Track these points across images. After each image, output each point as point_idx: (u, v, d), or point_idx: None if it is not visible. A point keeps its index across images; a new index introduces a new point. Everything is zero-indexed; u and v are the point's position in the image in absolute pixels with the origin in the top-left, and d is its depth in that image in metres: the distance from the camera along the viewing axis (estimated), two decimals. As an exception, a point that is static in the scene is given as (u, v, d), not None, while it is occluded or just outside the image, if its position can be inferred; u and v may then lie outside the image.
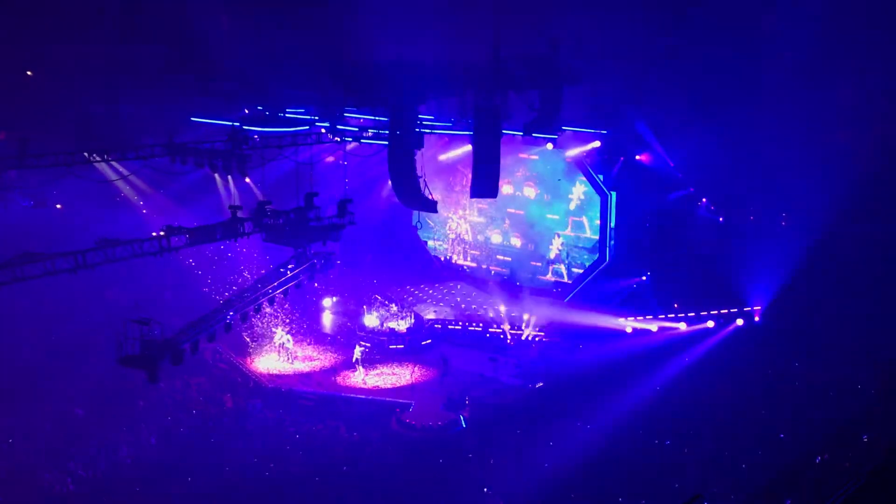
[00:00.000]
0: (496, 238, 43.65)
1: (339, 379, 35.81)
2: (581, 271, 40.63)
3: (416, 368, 37.32)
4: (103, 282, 25.86)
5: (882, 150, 31.55)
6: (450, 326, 40.70)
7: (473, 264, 44.59)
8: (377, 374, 36.65)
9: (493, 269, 43.83)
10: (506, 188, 39.72)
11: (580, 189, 40.26)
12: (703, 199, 38.35)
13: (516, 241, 42.97)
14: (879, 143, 31.63)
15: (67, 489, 27.16)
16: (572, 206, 40.74)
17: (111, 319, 21.36)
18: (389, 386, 35.80)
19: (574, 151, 38.94)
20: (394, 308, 40.51)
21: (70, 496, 26.84)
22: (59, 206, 41.42)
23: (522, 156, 41.06)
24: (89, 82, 27.50)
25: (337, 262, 26.65)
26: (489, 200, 36.87)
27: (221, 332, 23.24)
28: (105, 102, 28.56)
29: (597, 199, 39.48)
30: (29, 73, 29.66)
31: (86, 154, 25.75)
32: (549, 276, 41.82)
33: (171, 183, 41.65)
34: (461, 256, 44.90)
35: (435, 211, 26.95)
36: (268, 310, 35.70)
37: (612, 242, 39.34)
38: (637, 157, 38.16)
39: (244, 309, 23.90)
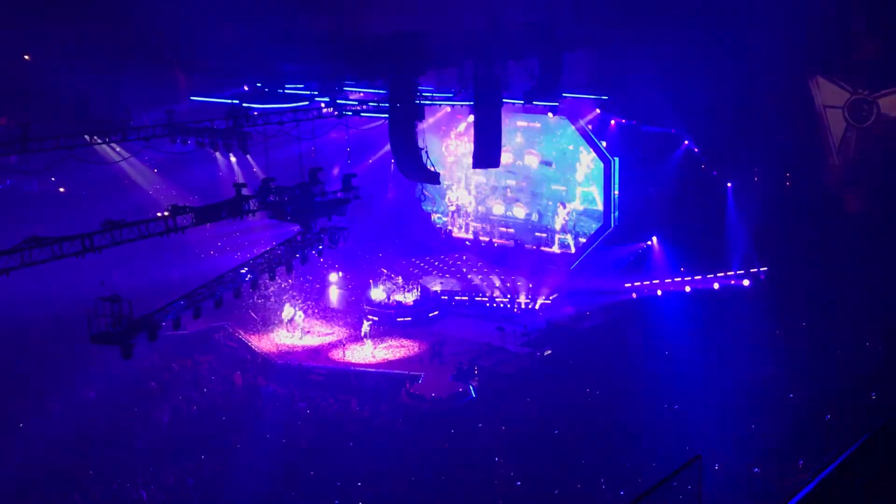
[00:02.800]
0: (498, 209, 43.60)
1: (348, 353, 35.94)
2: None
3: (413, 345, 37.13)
4: (110, 264, 25.78)
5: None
6: (456, 297, 40.78)
7: (471, 237, 44.65)
8: (386, 346, 36.80)
9: (497, 241, 43.83)
10: (506, 157, 39.59)
11: (588, 158, 40.17)
12: (706, 160, 38.30)
13: (519, 212, 42.92)
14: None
15: (84, 472, 27.38)
16: (580, 177, 40.66)
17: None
18: (398, 358, 35.92)
19: (579, 120, 38.91)
20: (400, 281, 40.62)
21: (84, 478, 27.03)
22: (62, 189, 41.45)
23: (522, 124, 40.93)
24: (87, 64, 27.28)
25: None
26: (491, 170, 36.84)
27: (212, 309, 22.54)
28: (104, 84, 28.35)
29: (607, 169, 39.47)
30: (27, 56, 29.51)
31: (87, 136, 25.66)
32: (556, 248, 41.82)
33: (179, 173, 41.57)
34: (462, 229, 44.92)
35: (437, 182, 26.95)
36: (272, 289, 36.01)
37: (616, 211, 39.37)
38: (638, 123, 38.10)
39: (236, 284, 23.30)
